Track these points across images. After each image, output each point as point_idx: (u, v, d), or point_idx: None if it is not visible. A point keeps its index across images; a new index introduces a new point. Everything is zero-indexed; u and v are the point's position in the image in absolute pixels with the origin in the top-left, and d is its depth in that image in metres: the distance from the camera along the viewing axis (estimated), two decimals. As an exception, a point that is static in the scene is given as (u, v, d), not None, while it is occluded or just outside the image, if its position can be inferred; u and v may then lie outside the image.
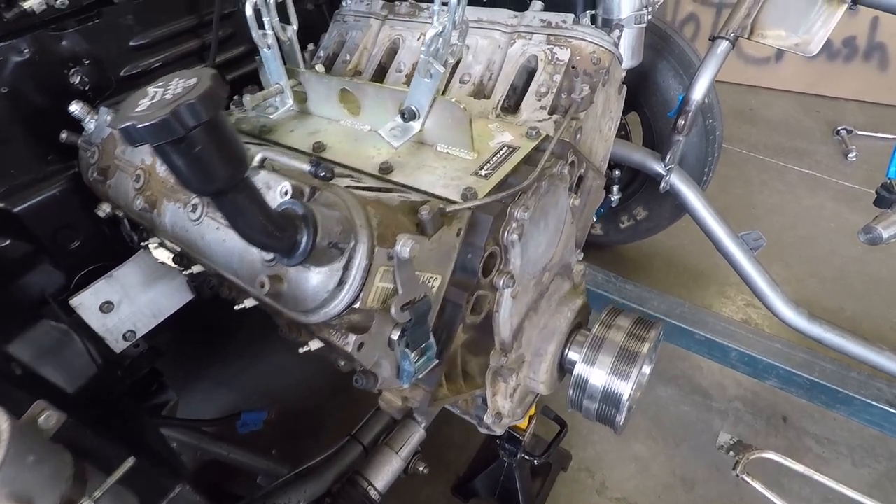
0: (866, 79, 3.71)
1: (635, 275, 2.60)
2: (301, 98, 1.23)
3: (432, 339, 0.83)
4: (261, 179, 0.76)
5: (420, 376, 0.83)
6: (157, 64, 1.27)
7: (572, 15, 1.09)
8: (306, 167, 0.70)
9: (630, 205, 2.32)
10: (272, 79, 1.17)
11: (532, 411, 1.60)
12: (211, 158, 0.49)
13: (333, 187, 0.72)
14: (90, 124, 1.05)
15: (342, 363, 0.85)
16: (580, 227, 1.31)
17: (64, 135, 1.08)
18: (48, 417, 0.63)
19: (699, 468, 1.87)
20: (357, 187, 0.85)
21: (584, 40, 1.07)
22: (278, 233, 0.59)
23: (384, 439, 1.42)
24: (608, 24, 1.51)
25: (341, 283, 0.68)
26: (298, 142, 1.13)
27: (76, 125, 1.08)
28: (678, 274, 2.60)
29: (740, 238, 1.59)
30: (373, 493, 1.30)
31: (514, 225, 0.90)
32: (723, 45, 1.42)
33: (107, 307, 1.27)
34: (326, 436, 1.47)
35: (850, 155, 3.26)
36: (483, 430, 1.19)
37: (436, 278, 0.85)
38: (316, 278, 0.69)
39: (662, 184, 1.57)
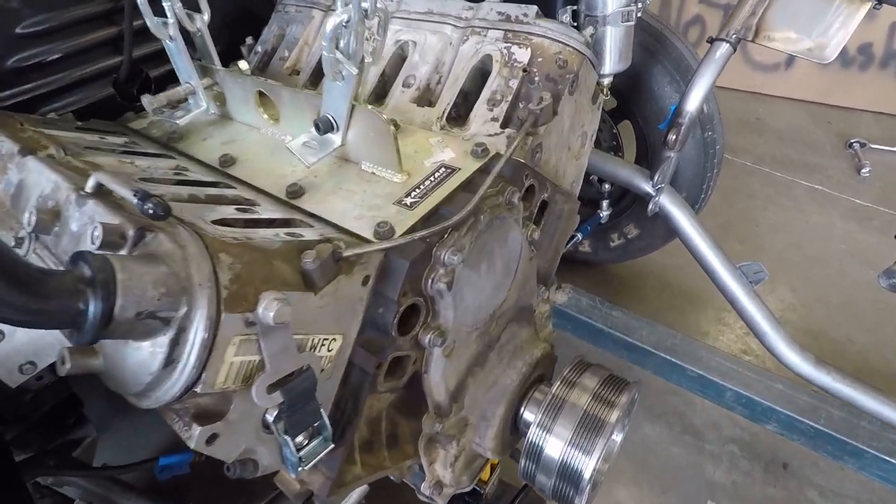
0: (883, 88, 3.49)
1: (626, 296, 2.41)
2: (222, 100, 1.04)
3: (325, 419, 0.65)
4: (87, 212, 0.57)
5: (311, 463, 0.64)
6: (58, 55, 1.09)
7: (535, 7, 0.90)
8: (134, 200, 0.52)
9: (621, 222, 2.12)
10: (181, 77, 0.99)
11: (494, 461, 1.42)
12: None
13: (177, 228, 0.53)
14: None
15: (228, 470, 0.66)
16: (547, 260, 1.12)
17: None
18: None
19: (687, 521, 1.67)
20: (238, 220, 0.66)
21: (548, 38, 0.88)
22: (38, 304, 0.41)
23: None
24: (592, 22, 1.31)
25: (170, 362, 0.50)
26: (208, 152, 0.95)
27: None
28: (672, 296, 2.40)
29: (739, 270, 1.39)
30: (298, 563, 1.11)
31: (442, 271, 0.71)
32: (723, 49, 1.22)
33: (-8, 338, 1.09)
34: (260, 482, 1.29)
35: (863, 170, 3.05)
36: (423, 500, 1.01)
37: (334, 339, 0.66)
38: (134, 355, 0.50)
39: (651, 205, 1.37)
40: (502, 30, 0.92)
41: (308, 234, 0.67)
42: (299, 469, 0.64)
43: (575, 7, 1.26)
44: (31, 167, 0.66)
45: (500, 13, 0.93)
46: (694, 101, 1.28)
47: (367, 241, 0.68)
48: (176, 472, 1.35)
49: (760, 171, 3.12)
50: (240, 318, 0.52)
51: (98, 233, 0.49)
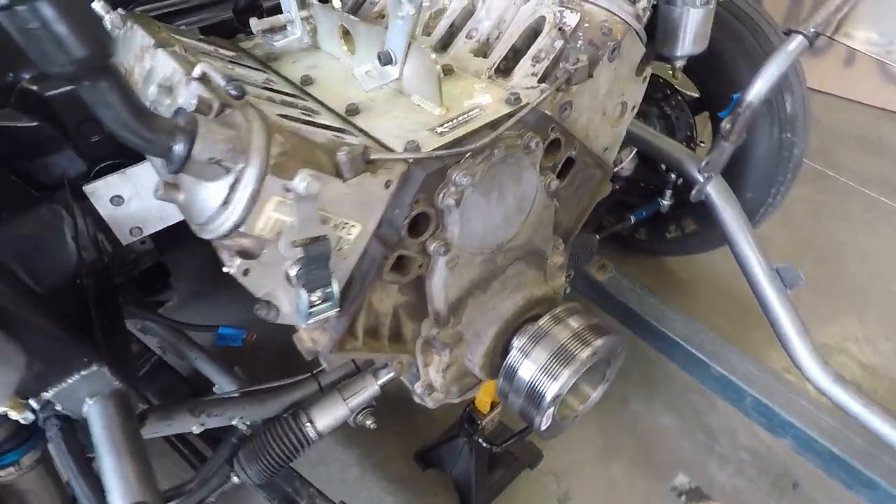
0: None
1: (675, 291, 2.39)
2: (315, 32, 1.22)
3: (335, 287, 0.81)
4: (192, 90, 0.76)
5: (314, 320, 0.82)
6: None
7: (593, -25, 0.97)
8: (222, 82, 0.69)
9: (681, 214, 2.10)
10: (283, 7, 1.18)
11: (497, 399, 1.55)
12: (54, 38, 0.49)
13: (248, 109, 0.71)
14: (107, 23, 1.12)
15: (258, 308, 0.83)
16: (572, 218, 1.20)
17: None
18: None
19: (676, 509, 1.71)
20: (299, 119, 0.83)
21: (598, 6, 0.96)
22: (147, 133, 0.59)
23: (339, 385, 1.44)
24: (673, 2, 1.33)
25: (226, 202, 0.68)
26: (294, 72, 1.13)
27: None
28: (724, 305, 2.34)
29: (775, 271, 1.38)
30: (310, 431, 1.33)
31: (453, 189, 0.84)
32: (797, 42, 1.20)
33: (117, 200, 1.37)
34: (296, 371, 1.52)
35: None
36: (417, 400, 1.17)
37: (353, 225, 0.82)
38: (204, 192, 0.69)
39: (695, 191, 1.39)
40: (559, -6, 1.00)
41: (350, 140, 0.82)
42: (308, 321, 0.82)
43: (655, -16, 1.29)
44: (160, 56, 0.87)
45: (561, -22, 1.01)
46: (758, 92, 1.27)
47: (385, 151, 0.82)
48: (230, 343, 1.62)
49: (864, 194, 2.87)
50: (280, 183, 0.69)
51: (195, 101, 0.67)
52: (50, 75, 0.54)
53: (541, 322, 1.00)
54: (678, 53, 1.40)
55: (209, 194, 0.69)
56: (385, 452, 1.87)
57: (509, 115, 0.90)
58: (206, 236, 0.73)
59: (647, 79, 1.10)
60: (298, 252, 0.74)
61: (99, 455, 0.89)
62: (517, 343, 1.00)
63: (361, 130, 0.91)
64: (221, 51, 1.16)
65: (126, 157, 1.37)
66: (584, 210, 1.22)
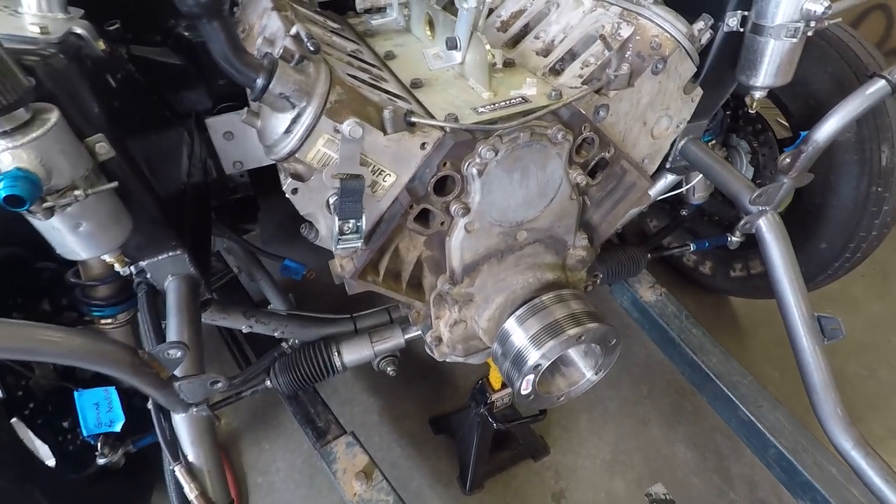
0: None
1: (728, 336, 2.29)
2: (410, 17, 1.40)
3: (363, 221, 0.97)
4: (286, 43, 0.96)
5: (342, 246, 0.98)
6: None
7: (658, -7, 1.04)
8: (305, 38, 0.88)
9: (749, 253, 2.03)
10: (386, -9, 1.37)
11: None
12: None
13: (321, 63, 0.89)
14: (247, -10, 1.38)
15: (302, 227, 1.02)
16: (603, 220, 1.27)
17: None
18: (101, 146, 0.96)
19: (670, 538, 1.69)
20: (367, 81, 1.00)
21: (652, 21, 1.03)
22: (240, 66, 0.79)
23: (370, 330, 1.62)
24: (759, 31, 1.34)
25: (287, 131, 0.87)
26: (382, 48, 1.31)
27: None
28: (783, 359, 2.21)
29: (816, 319, 1.33)
30: (336, 360, 1.52)
31: (477, 160, 0.97)
32: (877, 86, 1.16)
33: (228, 135, 1.65)
34: (341, 312, 1.72)
35: None
36: (427, 350, 1.31)
37: (390, 175, 0.98)
38: (273, 121, 0.88)
39: (743, 223, 1.37)
40: (622, 7, 1.08)
41: (400, 104, 0.98)
42: (338, 246, 0.99)
43: (746, 13, 1.31)
44: (272, 17, 1.09)
45: (629, -7, 1.09)
46: (825, 131, 1.24)
47: (424, 116, 0.96)
48: (291, 275, 1.86)
49: None
50: (331, 124, 0.87)
51: (280, 50, 0.87)
52: (180, 11, 0.75)
53: (543, 297, 1.10)
54: (757, 84, 1.40)
55: (278, 123, 0.88)
56: (405, 409, 2.03)
57: (543, 107, 1.00)
58: (271, 157, 0.92)
59: (697, 99, 1.14)
60: (336, 182, 0.91)
61: (167, 318, 1.14)
62: (517, 312, 1.10)
63: (416, 100, 1.07)
64: (329, 22, 1.37)
65: (245, 102, 1.65)
66: (618, 216, 1.27)
